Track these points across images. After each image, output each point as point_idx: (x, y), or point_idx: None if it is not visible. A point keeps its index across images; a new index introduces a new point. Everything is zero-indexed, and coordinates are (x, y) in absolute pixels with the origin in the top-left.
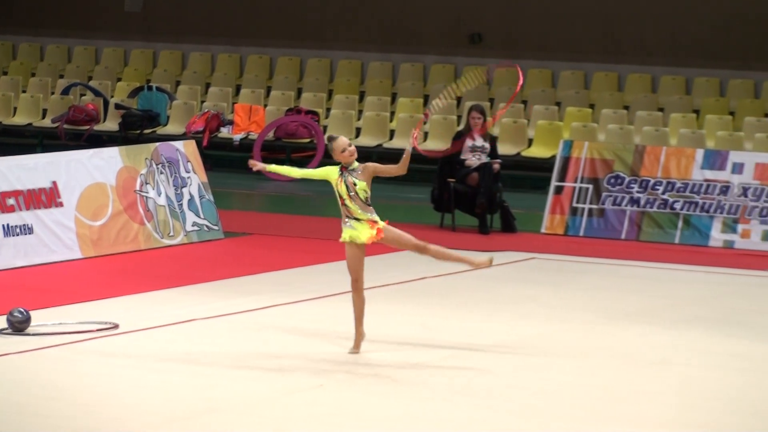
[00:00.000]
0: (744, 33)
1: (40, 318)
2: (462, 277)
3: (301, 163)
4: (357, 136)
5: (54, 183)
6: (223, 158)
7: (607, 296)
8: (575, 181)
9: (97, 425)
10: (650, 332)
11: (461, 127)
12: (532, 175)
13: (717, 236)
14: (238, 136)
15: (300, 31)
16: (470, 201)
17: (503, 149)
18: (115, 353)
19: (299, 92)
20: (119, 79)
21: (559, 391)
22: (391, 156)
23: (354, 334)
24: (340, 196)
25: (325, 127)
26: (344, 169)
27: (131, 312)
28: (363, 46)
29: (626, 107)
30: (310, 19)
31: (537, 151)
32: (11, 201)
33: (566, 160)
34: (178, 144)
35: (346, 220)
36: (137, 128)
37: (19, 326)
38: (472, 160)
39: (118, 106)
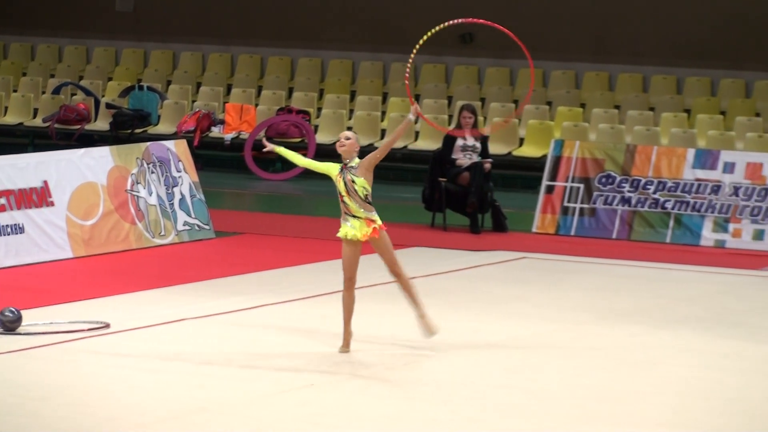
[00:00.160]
0: (735, 33)
1: (31, 317)
2: (452, 277)
3: (293, 163)
4: None
5: (45, 182)
6: (214, 158)
7: (598, 296)
8: (566, 181)
9: (88, 425)
10: (641, 332)
11: (452, 126)
12: (523, 175)
13: (708, 236)
14: (229, 136)
15: (291, 30)
16: (461, 200)
17: (494, 149)
18: (106, 353)
19: (290, 92)
20: (110, 79)
21: (550, 391)
22: None
23: (342, 332)
24: (340, 193)
25: (316, 127)
26: (344, 166)
27: (122, 311)
28: (354, 45)
29: (617, 107)
30: (301, 19)
31: (528, 151)
32: (2, 200)
33: (557, 160)
34: (169, 143)
35: (345, 216)
36: (128, 128)
37: (10, 326)
38: (464, 159)
39: (109, 106)
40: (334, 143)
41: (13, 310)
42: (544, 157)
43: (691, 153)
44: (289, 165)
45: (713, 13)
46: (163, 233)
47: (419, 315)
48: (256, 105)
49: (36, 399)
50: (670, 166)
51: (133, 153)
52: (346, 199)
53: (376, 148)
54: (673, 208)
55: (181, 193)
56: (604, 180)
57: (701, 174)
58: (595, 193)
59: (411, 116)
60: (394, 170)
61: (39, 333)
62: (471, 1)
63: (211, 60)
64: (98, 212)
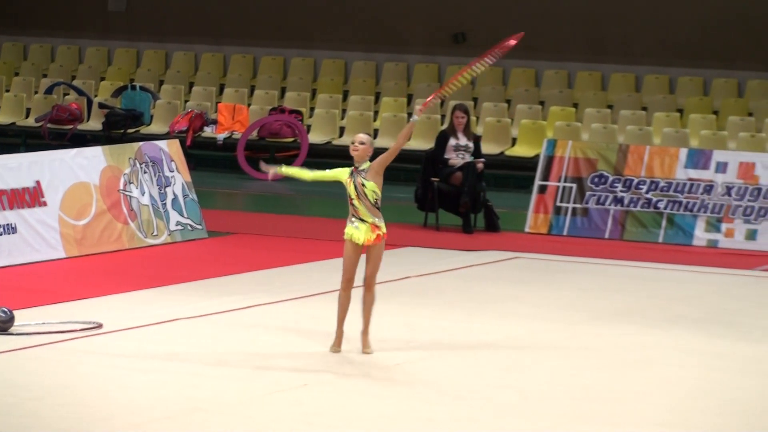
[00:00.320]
0: (727, 32)
1: (23, 317)
2: (445, 277)
3: (286, 162)
4: (340, 135)
5: (37, 182)
6: (206, 157)
7: (590, 296)
8: (559, 181)
9: (82, 425)
10: (635, 332)
11: (445, 126)
12: (516, 175)
13: (701, 235)
14: (221, 136)
15: (284, 30)
16: (454, 200)
17: (487, 148)
18: (99, 353)
19: (283, 91)
20: (103, 79)
21: (544, 390)
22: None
23: (335, 332)
24: (349, 196)
25: (308, 127)
26: (355, 169)
27: (115, 311)
28: (347, 45)
29: (610, 106)
30: (294, 19)
31: (521, 150)
32: None
33: (550, 160)
34: (162, 143)
35: (352, 218)
36: (121, 128)
37: (2, 326)
38: (456, 159)
39: (101, 106)
40: (327, 143)
41: (6, 310)
42: (537, 156)
43: (683, 153)
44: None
45: (706, 13)
46: (155, 233)
47: (363, 331)
48: (249, 105)
49: (29, 399)
50: (662, 165)
51: (126, 153)
52: (356, 202)
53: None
54: (665, 208)
55: (174, 193)
56: (596, 180)
57: (694, 174)
58: (588, 193)
59: (416, 117)
60: (387, 170)
61: (31, 333)
62: (464, 1)
63: (203, 60)
64: (91, 212)
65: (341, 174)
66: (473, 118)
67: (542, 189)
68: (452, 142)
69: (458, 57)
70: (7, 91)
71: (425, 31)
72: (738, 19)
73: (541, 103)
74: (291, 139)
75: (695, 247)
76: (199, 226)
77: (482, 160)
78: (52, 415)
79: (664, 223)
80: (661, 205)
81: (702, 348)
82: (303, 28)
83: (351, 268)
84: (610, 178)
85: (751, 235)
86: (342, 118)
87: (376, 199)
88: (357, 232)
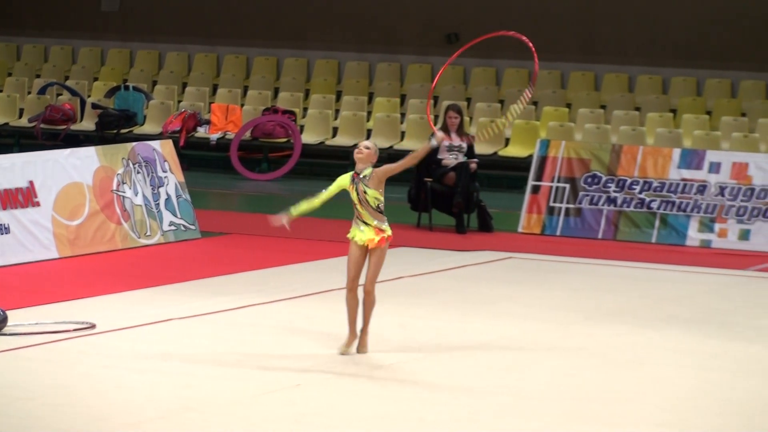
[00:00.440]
0: (721, 33)
1: (16, 318)
2: (439, 277)
3: (279, 163)
4: (334, 135)
5: (31, 182)
6: (200, 158)
7: (583, 296)
8: (552, 181)
9: (75, 425)
10: (628, 332)
11: (438, 126)
12: (509, 175)
13: (694, 235)
14: (215, 136)
15: (277, 30)
16: (447, 200)
17: (480, 149)
18: (93, 353)
19: (276, 92)
20: (96, 79)
21: (537, 390)
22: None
23: (348, 333)
24: (353, 201)
25: (302, 127)
26: (356, 175)
27: (108, 312)
28: (340, 45)
29: (603, 107)
30: (287, 19)
31: (514, 151)
32: None
33: (543, 160)
34: (155, 143)
35: (357, 221)
36: (114, 128)
37: None
38: (449, 159)
39: (94, 106)
40: (320, 143)
41: None
42: (530, 157)
43: (676, 153)
44: (275, 165)
45: (699, 13)
46: (148, 233)
47: (362, 330)
48: (242, 105)
49: (22, 399)
50: (655, 166)
51: (119, 153)
52: (359, 207)
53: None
54: (658, 208)
55: (167, 194)
56: (589, 180)
57: (687, 174)
58: (581, 193)
59: (434, 142)
60: None
61: (24, 333)
62: (457, 1)
63: (197, 60)
64: (84, 212)
65: (343, 181)
66: (466, 119)
67: (535, 189)
68: (445, 142)
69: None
70: (0, 91)
71: (418, 32)
72: (731, 19)
73: (535, 103)
74: (284, 140)
75: (688, 248)
76: (193, 227)
77: (475, 160)
78: (45, 415)
79: (657, 223)
80: (655, 205)
81: (695, 348)
82: (296, 28)
83: (355, 269)
84: (604, 179)
85: (744, 236)
86: (335, 119)
87: (379, 204)
88: (361, 233)
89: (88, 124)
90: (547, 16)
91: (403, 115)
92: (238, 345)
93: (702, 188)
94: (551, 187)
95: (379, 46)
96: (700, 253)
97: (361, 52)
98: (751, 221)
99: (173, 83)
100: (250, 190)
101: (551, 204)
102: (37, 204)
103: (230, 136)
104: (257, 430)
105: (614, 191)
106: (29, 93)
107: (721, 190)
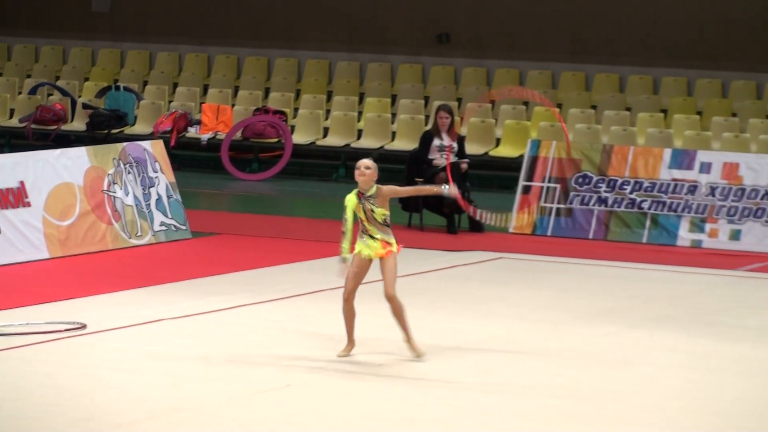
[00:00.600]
0: (712, 33)
1: (7, 318)
2: (429, 277)
3: (269, 163)
4: (324, 135)
5: (21, 183)
6: (190, 158)
7: (574, 296)
8: (543, 181)
9: (64, 426)
10: (617, 332)
11: (429, 126)
12: (500, 175)
13: (684, 235)
14: (205, 136)
15: (268, 30)
16: (438, 200)
17: (471, 149)
18: (83, 353)
19: (267, 92)
20: (87, 79)
21: (525, 390)
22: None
23: (347, 339)
24: (359, 218)
25: (292, 127)
26: (361, 194)
27: (99, 312)
28: (331, 45)
29: (594, 107)
30: (278, 19)
31: (505, 151)
32: None
33: (534, 160)
34: (146, 144)
35: (363, 235)
36: (105, 128)
37: None
38: (440, 159)
39: (85, 106)
40: (311, 143)
41: None
42: (521, 157)
43: (667, 153)
44: (266, 165)
45: (690, 13)
46: (139, 234)
47: (406, 339)
48: (233, 105)
49: (12, 399)
50: (646, 166)
51: (110, 153)
52: (366, 223)
53: (352, 149)
54: (649, 208)
55: (158, 194)
56: (580, 180)
57: (678, 174)
58: (572, 194)
59: (445, 192)
60: None
61: (15, 334)
62: (448, 1)
63: (187, 60)
64: (75, 213)
65: (352, 203)
66: (457, 119)
67: (526, 189)
68: (436, 142)
69: (442, 57)
70: None
71: (409, 32)
72: (722, 19)
73: (525, 103)
74: (275, 140)
75: (679, 248)
76: (183, 227)
77: (466, 160)
78: (35, 415)
79: (648, 223)
80: (645, 205)
81: (685, 348)
82: (287, 28)
83: (353, 282)
84: (594, 179)
85: (735, 236)
86: (326, 119)
87: (385, 219)
88: (366, 248)
89: (78, 124)
90: (537, 16)
91: (393, 115)
92: (229, 345)
93: (693, 188)
94: (542, 187)
95: (370, 47)
96: (690, 253)
97: (352, 52)
98: (742, 221)
99: (164, 83)
100: (241, 191)
101: (542, 204)
102: (28, 204)
103: (221, 136)
104: (247, 430)
105: (605, 191)
106: (20, 93)
107: (712, 190)
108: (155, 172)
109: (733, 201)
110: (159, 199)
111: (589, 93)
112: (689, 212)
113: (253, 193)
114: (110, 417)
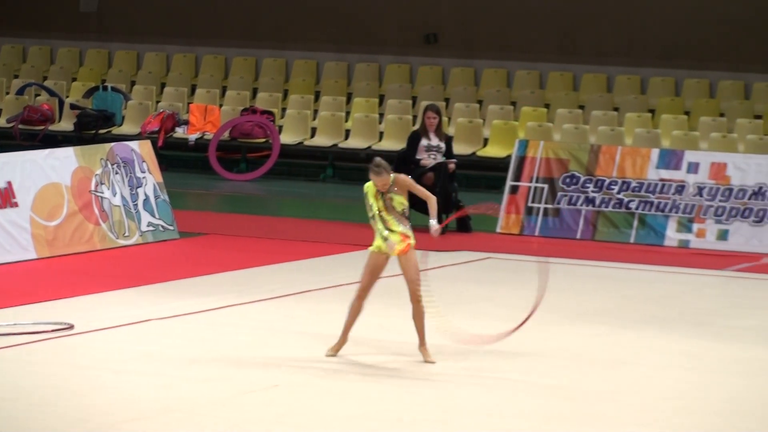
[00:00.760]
0: (699, 33)
1: None
2: None
3: (257, 163)
4: (312, 136)
5: (9, 183)
6: (178, 158)
7: (562, 296)
8: (530, 181)
9: (52, 427)
10: (606, 332)
11: (416, 126)
12: (488, 175)
13: (672, 236)
14: (193, 136)
15: (255, 31)
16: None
17: (458, 149)
18: (71, 354)
19: (254, 92)
20: (74, 79)
21: (515, 390)
22: (346, 156)
23: (340, 336)
24: (378, 210)
25: (280, 127)
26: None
27: (86, 312)
28: (318, 45)
29: (581, 107)
30: (266, 19)
31: (492, 151)
32: None
33: (521, 160)
34: (134, 144)
35: (381, 230)
36: (92, 128)
37: None
38: (428, 159)
39: (73, 106)
40: (299, 144)
41: None
42: (509, 157)
43: (655, 153)
44: (253, 166)
45: (677, 13)
46: (127, 234)
47: (420, 344)
48: (221, 105)
49: (12, 399)
50: (634, 166)
51: (98, 154)
52: (384, 214)
53: (340, 149)
54: (637, 209)
55: (146, 194)
56: (568, 180)
57: (665, 174)
58: (560, 194)
59: (432, 231)
60: (358, 170)
61: (2, 334)
62: (436, 1)
63: (175, 60)
64: (62, 213)
65: (372, 190)
66: (444, 119)
67: (514, 189)
68: (424, 142)
69: (430, 57)
70: None
71: (397, 32)
72: (710, 19)
73: (513, 103)
74: (263, 140)
75: (667, 248)
76: (171, 227)
77: (454, 160)
78: (22, 416)
79: (635, 223)
80: (633, 205)
81: (673, 348)
82: (275, 28)
83: (370, 280)
84: (582, 179)
85: (723, 236)
86: (314, 119)
87: (404, 209)
88: (385, 244)
89: (66, 124)
90: (525, 16)
91: (381, 115)
92: (217, 345)
93: (680, 188)
94: (530, 187)
95: (358, 47)
96: (678, 253)
97: (340, 52)
98: (730, 221)
99: (152, 84)
100: (229, 191)
101: (530, 204)
102: (15, 204)
103: (209, 136)
104: (237, 430)
105: (593, 191)
106: (7, 93)
107: (700, 190)
108: (143, 172)
109: (720, 201)
110: (146, 200)
111: (577, 93)
112: (677, 212)
113: (241, 193)
114: (99, 417)
